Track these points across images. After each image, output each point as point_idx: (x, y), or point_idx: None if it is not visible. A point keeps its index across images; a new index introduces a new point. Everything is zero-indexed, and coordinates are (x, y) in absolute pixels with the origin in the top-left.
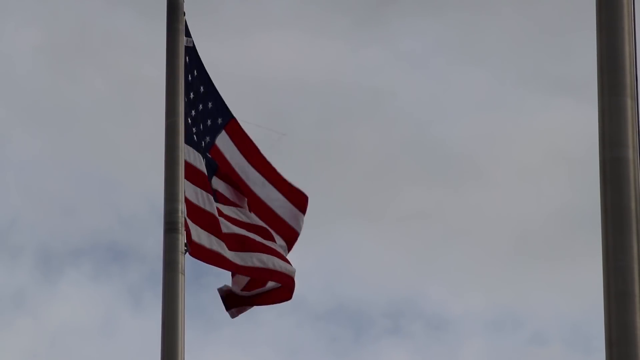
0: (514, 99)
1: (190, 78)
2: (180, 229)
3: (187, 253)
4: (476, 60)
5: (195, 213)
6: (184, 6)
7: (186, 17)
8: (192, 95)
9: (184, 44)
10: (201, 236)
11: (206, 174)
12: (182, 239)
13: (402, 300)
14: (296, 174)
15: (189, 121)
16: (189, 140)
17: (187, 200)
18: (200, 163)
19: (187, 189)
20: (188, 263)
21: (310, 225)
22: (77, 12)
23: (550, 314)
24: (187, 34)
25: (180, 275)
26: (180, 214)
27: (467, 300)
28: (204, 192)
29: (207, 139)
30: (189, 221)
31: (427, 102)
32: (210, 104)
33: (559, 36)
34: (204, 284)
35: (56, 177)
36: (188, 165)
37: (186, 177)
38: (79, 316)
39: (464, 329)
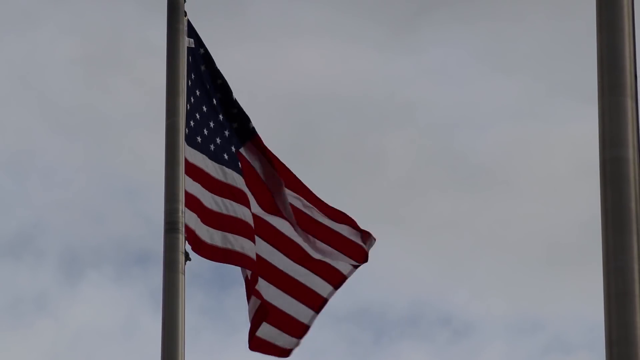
0: (545, 108)
1: (189, 82)
2: (181, 228)
3: (190, 251)
4: (507, 70)
5: (198, 209)
6: (185, 6)
7: (197, 20)
8: (192, 100)
9: (187, 44)
10: (202, 231)
11: (214, 176)
12: (182, 239)
13: (423, 304)
14: (326, 183)
15: (192, 124)
16: (192, 143)
17: (187, 195)
18: (206, 165)
19: (189, 186)
20: (210, 267)
21: None
22: (111, 23)
23: (574, 320)
24: (190, 34)
25: (180, 275)
26: (180, 214)
27: (490, 304)
28: (209, 193)
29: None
30: (188, 212)
31: (458, 112)
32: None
33: (590, 45)
34: (225, 287)
35: (87, 185)
36: (190, 165)
37: (189, 176)
38: (100, 318)
39: (486, 333)
